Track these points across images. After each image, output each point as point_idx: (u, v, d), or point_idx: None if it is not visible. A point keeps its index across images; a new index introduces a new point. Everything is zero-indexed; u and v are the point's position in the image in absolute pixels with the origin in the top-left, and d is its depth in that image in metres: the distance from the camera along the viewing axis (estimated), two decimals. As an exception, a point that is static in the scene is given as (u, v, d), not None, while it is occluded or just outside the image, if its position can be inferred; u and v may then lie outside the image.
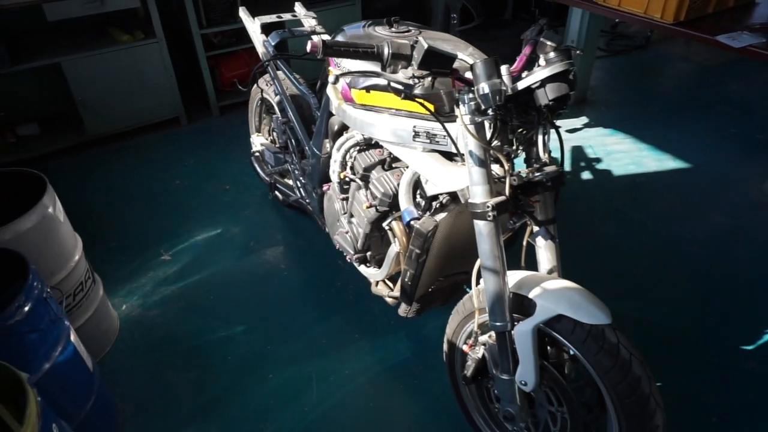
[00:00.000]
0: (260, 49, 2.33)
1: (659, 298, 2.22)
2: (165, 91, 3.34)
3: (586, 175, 2.99)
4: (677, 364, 1.95)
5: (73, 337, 1.56)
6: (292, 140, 2.31)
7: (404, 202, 1.59)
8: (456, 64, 1.20)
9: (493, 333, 1.36)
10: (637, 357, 1.21)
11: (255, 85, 2.52)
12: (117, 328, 2.13)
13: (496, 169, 1.36)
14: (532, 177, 1.28)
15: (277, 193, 2.67)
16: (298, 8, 2.45)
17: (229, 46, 3.50)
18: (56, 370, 1.46)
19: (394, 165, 1.73)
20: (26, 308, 1.36)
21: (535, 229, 1.37)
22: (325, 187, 2.05)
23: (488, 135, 1.25)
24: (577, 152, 3.19)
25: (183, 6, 3.16)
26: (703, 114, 3.54)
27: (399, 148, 1.58)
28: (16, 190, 1.82)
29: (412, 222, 1.54)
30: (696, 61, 4.33)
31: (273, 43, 2.27)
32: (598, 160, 3.10)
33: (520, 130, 1.30)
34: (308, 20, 2.36)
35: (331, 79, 1.56)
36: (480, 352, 1.46)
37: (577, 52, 1.24)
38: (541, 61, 1.21)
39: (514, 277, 1.33)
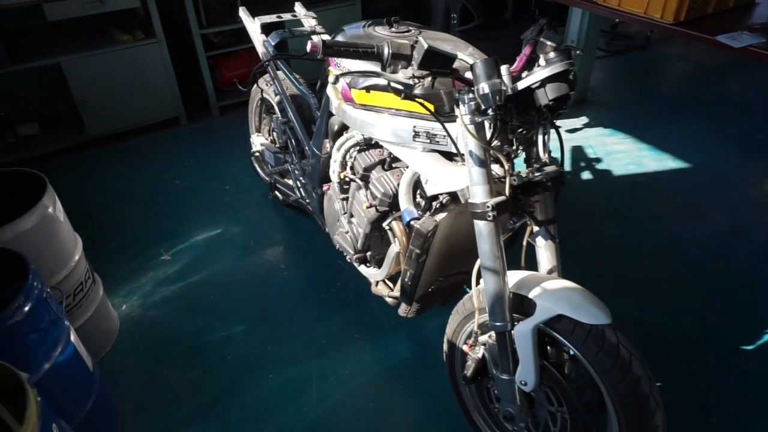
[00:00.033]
0: (260, 49, 2.33)
1: (659, 298, 2.22)
2: (165, 91, 3.34)
3: (586, 175, 2.99)
4: (677, 364, 1.95)
5: (73, 337, 1.56)
6: (292, 140, 2.31)
7: (404, 202, 1.59)
8: (456, 64, 1.20)
9: (493, 333, 1.36)
10: (637, 357, 1.21)
11: (255, 85, 2.52)
12: (117, 328, 2.14)
13: (496, 169, 1.36)
14: (532, 177, 1.28)
15: (277, 193, 2.67)
16: (298, 8, 2.45)
17: (229, 46, 3.50)
18: (56, 370, 1.46)
19: (394, 165, 1.73)
20: (26, 308, 1.36)
21: (535, 229, 1.37)
22: (325, 187, 2.05)
23: (488, 135, 1.25)
24: (577, 152, 3.19)
25: (183, 6, 3.16)
26: (703, 114, 3.54)
27: (399, 148, 1.58)
28: (16, 190, 1.82)
29: (412, 222, 1.54)
30: (696, 61, 4.33)
31: (273, 43, 2.28)
32: (598, 160, 3.10)
33: (520, 130, 1.30)
34: (308, 20, 2.36)
35: (331, 79, 1.56)
36: (480, 352, 1.46)
37: (577, 52, 1.24)
38: (541, 61, 1.21)
39: (514, 277, 1.33)
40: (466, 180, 1.29)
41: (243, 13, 2.45)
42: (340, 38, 1.79)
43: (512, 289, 1.31)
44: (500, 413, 1.46)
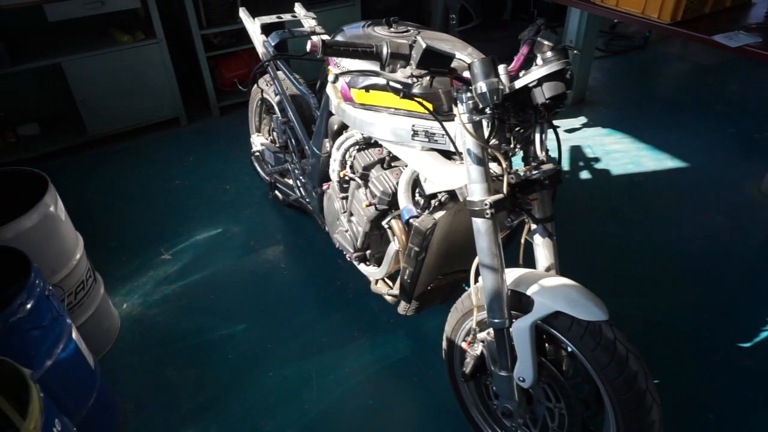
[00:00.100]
0: (260, 50, 2.34)
1: (658, 297, 2.23)
2: (165, 92, 3.35)
3: (584, 175, 3.00)
4: (675, 361, 1.96)
5: (74, 334, 1.57)
6: (292, 140, 2.32)
7: (403, 201, 1.61)
8: (454, 64, 1.22)
9: (491, 330, 1.37)
10: (634, 353, 1.22)
11: (255, 86, 2.54)
12: (118, 326, 2.15)
13: (494, 167, 1.38)
14: (529, 175, 1.30)
15: (277, 192, 2.69)
16: (298, 9, 2.46)
17: (229, 47, 3.51)
18: (58, 367, 1.47)
19: (393, 164, 1.74)
20: (28, 305, 1.37)
21: (533, 226, 1.38)
22: (324, 186, 2.07)
23: (486, 133, 1.27)
24: (576, 152, 3.20)
25: (183, 6, 3.17)
26: (702, 114, 3.55)
27: (398, 147, 1.60)
28: (17, 190, 1.83)
29: (411, 220, 1.55)
30: (694, 62, 4.34)
31: (273, 44, 2.29)
32: (597, 160, 3.11)
33: (517, 128, 1.31)
34: (308, 21, 2.38)
35: (330, 78, 1.58)
36: (478, 349, 1.47)
37: (575, 51, 1.26)
38: (539, 61, 1.23)
39: (512, 274, 1.35)
40: (465, 178, 1.30)
41: (243, 14, 2.47)
42: (339, 38, 1.80)
43: (510, 287, 1.32)
44: (499, 410, 1.47)
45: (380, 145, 1.75)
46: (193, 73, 3.63)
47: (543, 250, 1.39)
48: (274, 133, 2.57)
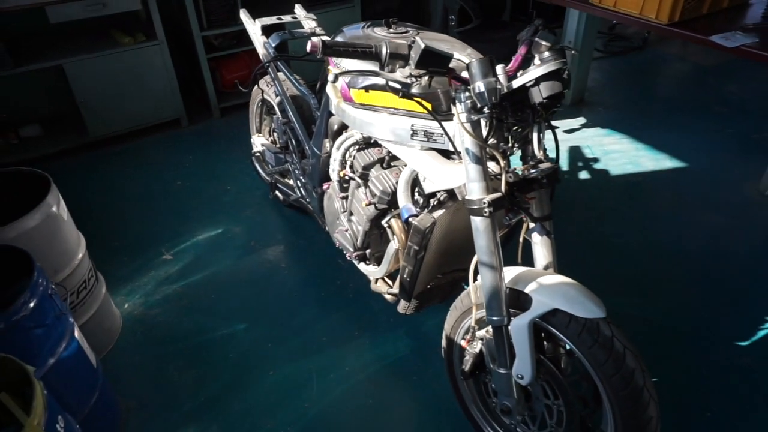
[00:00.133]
0: (261, 51, 2.36)
1: (656, 296, 2.24)
2: (166, 93, 3.37)
3: (583, 175, 3.02)
4: (673, 360, 1.97)
5: (77, 333, 1.59)
6: (293, 140, 2.33)
7: (403, 200, 1.62)
8: (453, 64, 1.23)
9: (490, 328, 1.38)
10: (631, 350, 1.24)
11: (255, 87, 2.55)
12: (119, 326, 2.16)
13: (492, 166, 1.39)
14: (527, 174, 1.31)
15: (277, 192, 2.70)
16: (298, 10, 2.48)
17: (229, 48, 3.52)
18: (61, 365, 1.48)
19: (392, 163, 1.76)
20: (31, 304, 1.38)
21: (531, 225, 1.40)
22: (325, 186, 2.08)
23: (484, 133, 1.28)
24: (575, 152, 3.21)
25: (184, 8, 3.19)
26: (700, 114, 3.57)
27: (397, 146, 1.61)
28: (20, 190, 1.84)
29: (410, 219, 1.56)
30: (693, 62, 4.36)
31: (273, 45, 2.30)
32: (596, 160, 3.12)
33: (515, 128, 1.33)
34: (308, 22, 2.39)
35: (330, 77, 1.59)
36: (477, 347, 1.48)
37: (572, 51, 1.27)
38: (536, 61, 1.24)
39: (510, 272, 1.36)
40: (463, 177, 1.32)
41: (244, 15, 2.48)
42: (339, 39, 1.82)
43: (509, 285, 1.33)
44: (498, 407, 1.48)
45: (380, 145, 1.76)
46: (194, 75, 3.65)
47: (541, 248, 1.40)
48: (275, 134, 2.58)
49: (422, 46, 1.16)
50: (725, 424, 1.77)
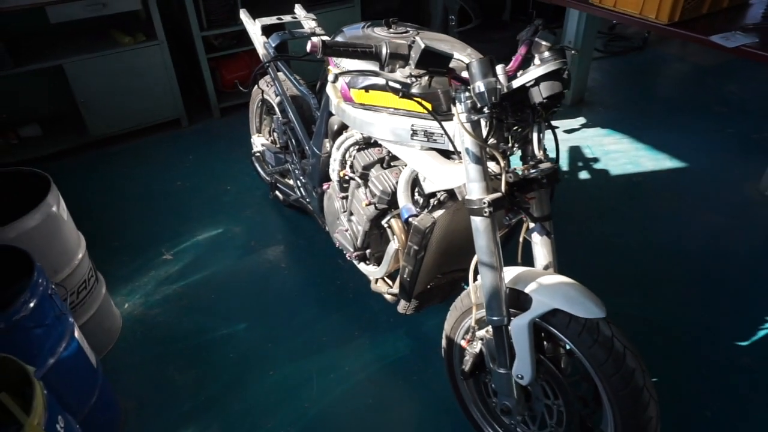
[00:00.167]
0: (261, 51, 2.36)
1: (656, 296, 2.24)
2: (166, 93, 3.37)
3: (583, 175, 3.02)
4: (673, 360, 1.97)
5: (77, 333, 1.59)
6: (293, 140, 2.33)
7: (403, 200, 1.62)
8: (453, 64, 1.23)
9: (490, 328, 1.38)
10: (631, 350, 1.24)
11: (255, 87, 2.55)
12: (119, 326, 2.16)
13: (492, 166, 1.39)
14: (527, 174, 1.31)
15: (277, 192, 2.70)
16: (298, 10, 2.48)
17: (229, 48, 3.52)
18: (61, 365, 1.48)
19: (392, 163, 1.76)
20: (31, 304, 1.38)
21: (531, 225, 1.40)
22: (325, 186, 2.08)
23: (484, 133, 1.28)
24: (575, 152, 3.21)
25: (184, 8, 3.19)
26: (700, 114, 3.57)
27: (397, 146, 1.61)
28: (19, 190, 1.84)
29: (410, 219, 1.56)
30: (693, 62, 4.36)
31: (273, 45, 2.30)
32: (596, 160, 3.12)
33: (515, 128, 1.33)
34: (308, 22, 2.39)
35: (330, 77, 1.59)
36: (477, 347, 1.48)
37: (572, 51, 1.27)
38: (536, 61, 1.24)
39: (510, 272, 1.36)
40: (463, 177, 1.32)
41: (244, 15, 2.48)
42: (339, 39, 1.82)
43: (509, 285, 1.33)
44: (497, 407, 1.48)
45: (380, 145, 1.76)
46: (194, 75, 3.65)
47: (541, 248, 1.40)
48: (275, 134, 2.58)
49: (422, 46, 1.16)
50: (725, 424, 1.77)
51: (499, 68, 1.21)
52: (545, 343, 1.37)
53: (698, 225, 2.62)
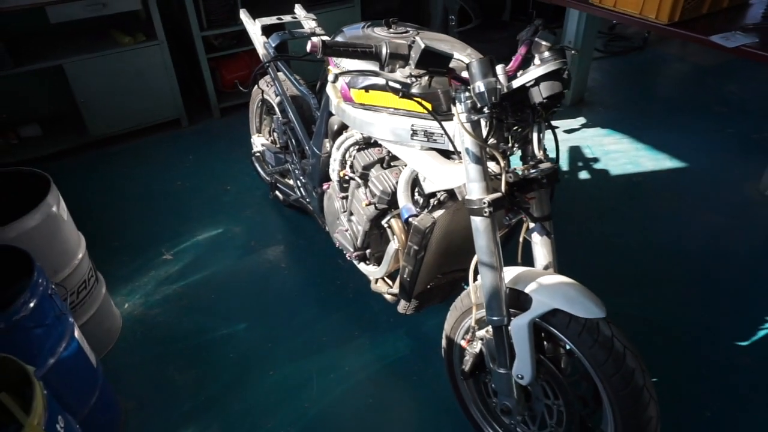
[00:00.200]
0: (261, 51, 2.36)
1: (656, 296, 2.24)
2: (166, 93, 3.37)
3: (583, 175, 3.02)
4: (673, 360, 1.97)
5: (77, 333, 1.59)
6: (293, 140, 2.33)
7: (403, 200, 1.62)
8: (453, 64, 1.23)
9: (490, 328, 1.38)
10: (631, 350, 1.24)
11: (255, 87, 2.55)
12: (119, 326, 2.16)
13: (492, 166, 1.39)
14: (527, 174, 1.31)
15: (277, 192, 2.70)
16: (298, 10, 2.48)
17: (229, 48, 3.52)
18: (61, 365, 1.48)
19: (392, 163, 1.76)
20: (31, 304, 1.38)
21: (531, 225, 1.40)
22: (325, 186, 2.08)
23: (484, 133, 1.28)
24: (575, 152, 3.21)
25: (184, 8, 3.19)
26: (700, 114, 3.57)
27: (397, 146, 1.61)
28: (19, 190, 1.84)
29: (410, 219, 1.56)
30: (693, 62, 4.36)
31: (273, 45, 2.30)
32: (596, 160, 3.12)
33: (515, 128, 1.33)
34: (308, 22, 2.39)
35: (330, 77, 1.59)
36: (477, 347, 1.48)
37: (572, 51, 1.27)
38: (536, 61, 1.24)
39: (510, 272, 1.36)
40: (463, 177, 1.32)
41: (244, 15, 2.48)
42: (339, 39, 1.82)
43: (509, 285, 1.33)
44: (497, 407, 1.48)
45: (380, 145, 1.76)
46: (194, 75, 3.65)
47: (541, 248, 1.40)
48: (275, 134, 2.58)
49: (422, 46, 1.16)
50: (725, 424, 1.77)
51: (499, 68, 1.21)
52: (545, 343, 1.37)
53: (698, 225, 2.62)
